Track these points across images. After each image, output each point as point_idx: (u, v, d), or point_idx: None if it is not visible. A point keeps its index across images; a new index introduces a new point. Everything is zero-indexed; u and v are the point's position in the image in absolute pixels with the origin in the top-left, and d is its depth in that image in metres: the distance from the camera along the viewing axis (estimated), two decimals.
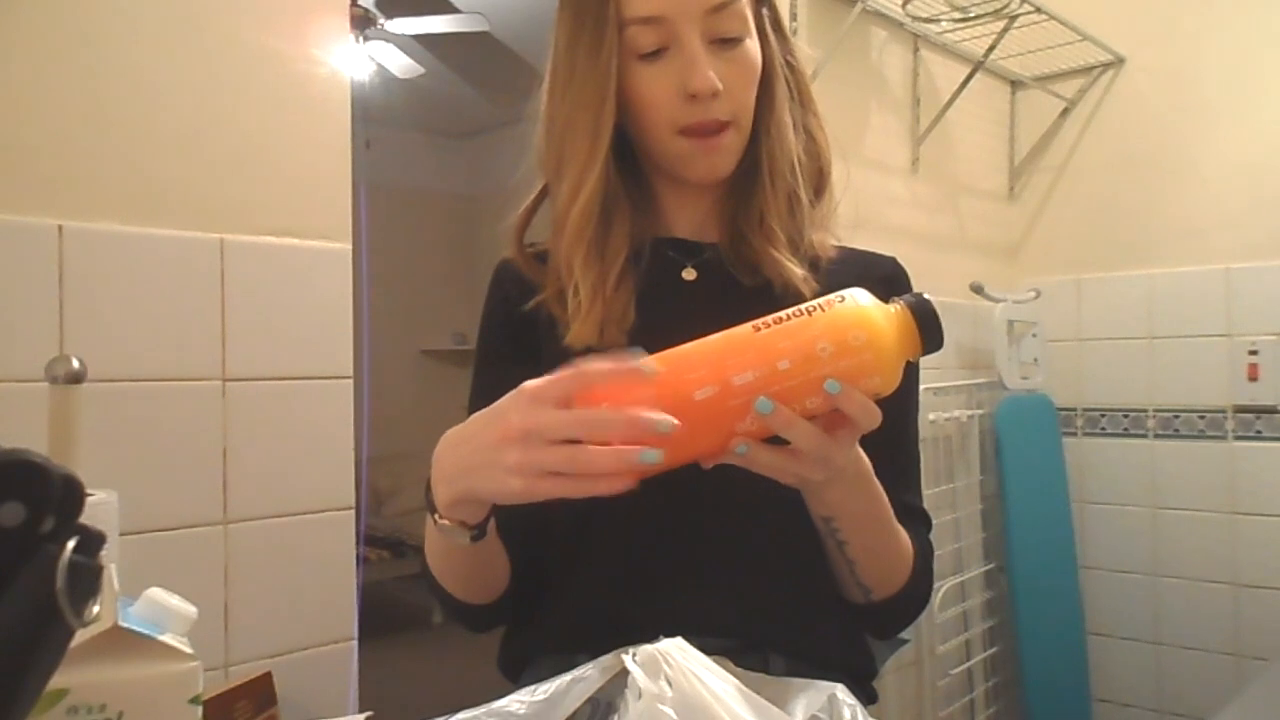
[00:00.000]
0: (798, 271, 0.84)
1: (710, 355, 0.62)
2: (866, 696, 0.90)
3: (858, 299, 0.64)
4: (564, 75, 0.83)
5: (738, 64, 0.81)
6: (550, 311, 0.87)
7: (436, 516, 0.69)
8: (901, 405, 0.88)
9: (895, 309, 0.64)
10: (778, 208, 0.86)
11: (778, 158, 0.86)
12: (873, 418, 0.64)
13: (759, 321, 0.63)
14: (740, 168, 0.86)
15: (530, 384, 0.61)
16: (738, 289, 0.86)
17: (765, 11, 0.86)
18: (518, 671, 0.90)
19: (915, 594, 0.86)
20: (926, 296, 0.64)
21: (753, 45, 0.83)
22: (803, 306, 0.63)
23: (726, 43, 0.81)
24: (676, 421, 0.58)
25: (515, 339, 0.91)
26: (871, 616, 0.87)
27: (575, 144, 0.82)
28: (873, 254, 0.95)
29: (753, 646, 0.81)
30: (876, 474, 0.78)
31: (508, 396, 0.62)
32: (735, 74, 0.81)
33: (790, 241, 0.86)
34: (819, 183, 0.90)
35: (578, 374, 0.59)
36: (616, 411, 0.58)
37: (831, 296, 0.64)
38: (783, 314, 0.63)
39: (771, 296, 0.85)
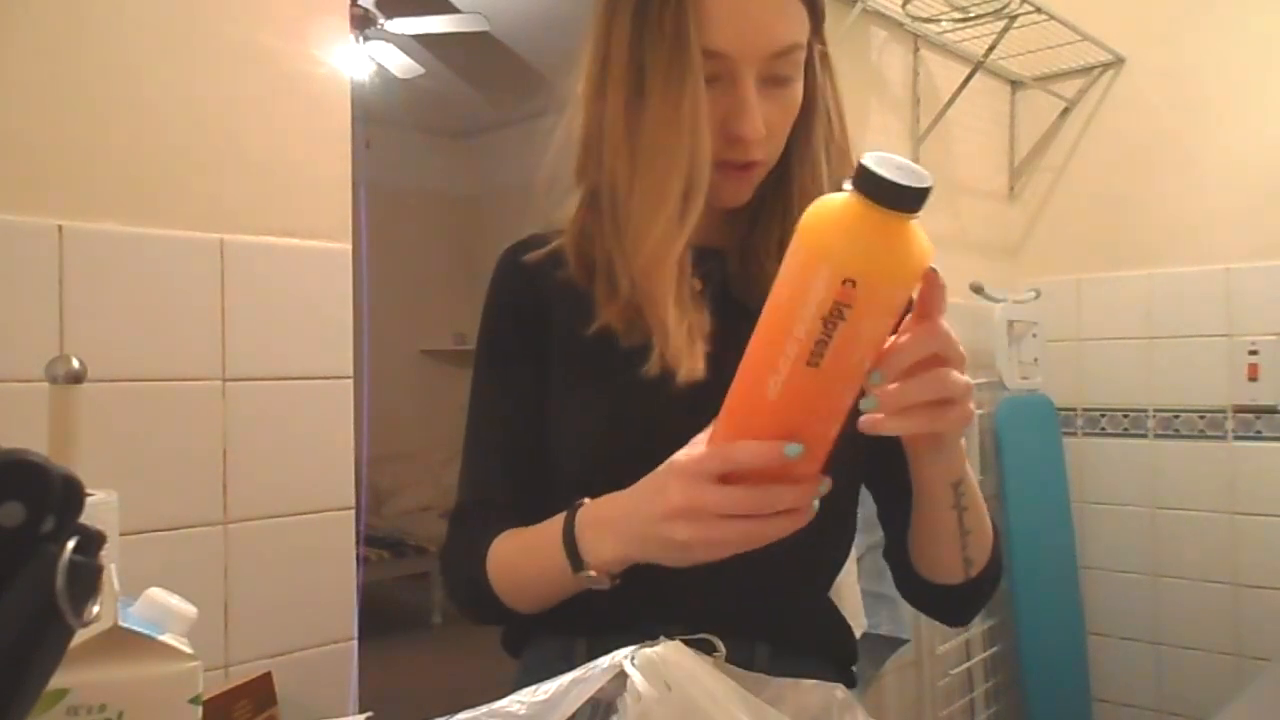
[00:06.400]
0: None
1: (814, 403, 0.59)
2: (846, 681, 0.91)
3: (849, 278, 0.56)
4: (628, 85, 0.80)
5: (782, 106, 0.81)
6: (611, 324, 0.84)
7: (586, 573, 0.73)
8: None
9: (848, 199, 0.55)
10: None
11: (810, 193, 0.84)
12: (937, 339, 0.61)
13: (812, 358, 0.57)
14: (760, 190, 0.85)
15: (681, 460, 0.64)
16: (740, 310, 0.85)
17: (817, 44, 0.85)
18: (519, 648, 0.91)
19: (998, 558, 0.85)
20: (862, 162, 0.55)
21: (799, 88, 0.82)
22: (827, 316, 0.56)
23: (777, 83, 0.80)
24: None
25: (523, 335, 0.90)
26: (964, 596, 0.84)
27: (669, 173, 0.79)
28: None
29: (740, 633, 0.81)
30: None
31: (664, 470, 0.65)
32: (778, 116, 0.81)
33: None
34: None
35: (720, 456, 0.61)
36: (769, 491, 0.61)
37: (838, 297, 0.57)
38: (829, 337, 0.57)
39: None
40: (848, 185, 0.55)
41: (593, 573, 0.73)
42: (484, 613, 0.87)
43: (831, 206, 0.56)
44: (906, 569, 0.87)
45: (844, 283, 0.54)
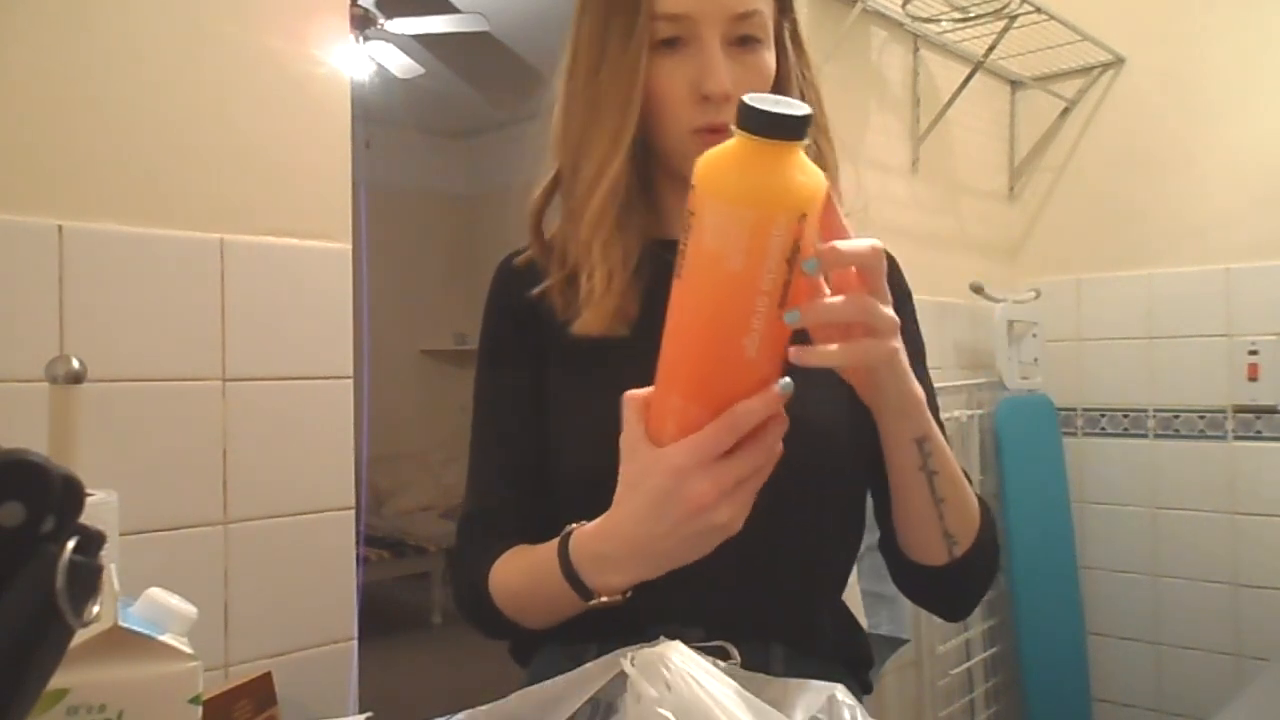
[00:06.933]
0: None
1: (785, 339, 0.60)
2: (862, 686, 0.91)
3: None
4: (589, 61, 0.83)
5: (752, 69, 0.82)
6: (551, 301, 0.87)
7: (598, 600, 0.72)
8: (912, 345, 0.90)
9: (754, 144, 0.56)
10: None
11: None
12: (867, 250, 0.61)
13: (782, 301, 0.59)
14: None
15: (680, 459, 0.61)
16: None
17: (786, 24, 0.86)
18: (528, 658, 0.91)
19: (989, 540, 0.82)
20: (761, 109, 0.56)
21: (769, 54, 0.83)
22: (790, 257, 0.58)
23: (745, 44, 0.81)
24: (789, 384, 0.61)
25: (521, 337, 0.91)
26: (953, 579, 0.82)
27: (601, 130, 0.82)
28: None
29: (755, 636, 0.81)
30: None
31: (665, 477, 0.62)
32: (748, 79, 0.82)
33: None
34: None
35: (726, 427, 0.60)
36: (769, 434, 0.62)
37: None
38: (791, 276, 0.58)
39: None
40: (740, 132, 0.56)
41: (604, 599, 0.71)
42: (490, 630, 0.87)
43: (741, 157, 0.56)
44: (897, 556, 0.86)
45: (799, 220, 0.56)
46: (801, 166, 0.56)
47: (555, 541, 0.74)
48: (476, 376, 0.94)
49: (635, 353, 0.78)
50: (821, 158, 0.89)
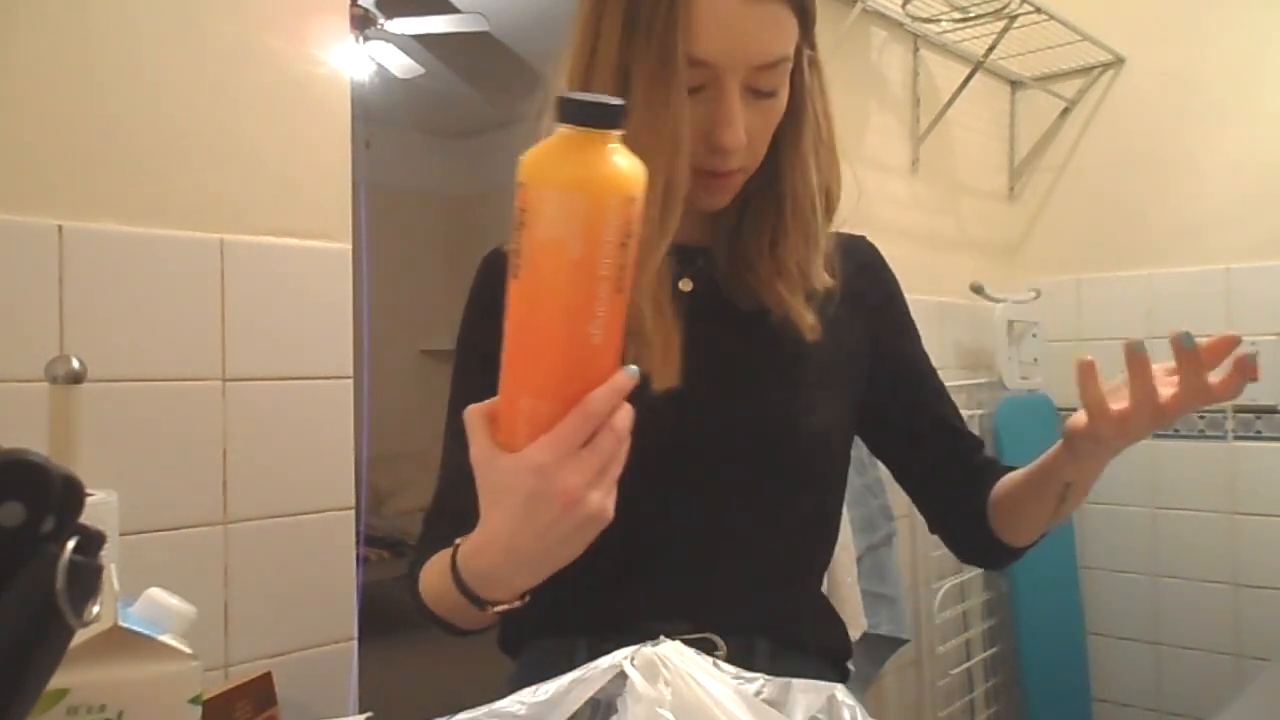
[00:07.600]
0: (808, 319, 0.84)
1: (621, 320, 0.61)
2: (840, 676, 0.92)
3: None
4: (613, 87, 0.79)
5: (764, 114, 0.81)
6: None
7: (492, 608, 0.69)
8: (914, 333, 0.98)
9: (579, 136, 0.58)
10: (794, 241, 0.86)
11: (801, 196, 0.85)
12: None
13: (619, 285, 0.60)
14: (745, 191, 0.85)
15: (541, 457, 0.59)
16: (731, 311, 0.86)
17: (806, 49, 0.84)
18: (516, 650, 0.91)
19: None
20: (581, 100, 0.57)
21: (784, 97, 0.82)
22: (625, 240, 0.59)
23: (761, 95, 0.80)
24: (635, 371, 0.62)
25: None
26: (1020, 552, 0.93)
27: (649, 178, 0.80)
28: (847, 239, 0.95)
29: (740, 630, 0.82)
30: (936, 398, 0.86)
31: (530, 479, 0.60)
32: (760, 124, 0.81)
33: (801, 273, 0.86)
34: (827, 210, 0.90)
35: (582, 416, 0.59)
36: (620, 418, 0.61)
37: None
38: (626, 259, 0.59)
39: (767, 324, 0.85)
40: (565, 127, 0.57)
41: (504, 606, 0.69)
42: (443, 629, 0.85)
43: (568, 148, 0.58)
44: (970, 529, 0.93)
45: (629, 203, 0.58)
46: (625, 154, 0.58)
47: (449, 553, 0.71)
48: (454, 372, 0.92)
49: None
50: (828, 183, 0.89)
